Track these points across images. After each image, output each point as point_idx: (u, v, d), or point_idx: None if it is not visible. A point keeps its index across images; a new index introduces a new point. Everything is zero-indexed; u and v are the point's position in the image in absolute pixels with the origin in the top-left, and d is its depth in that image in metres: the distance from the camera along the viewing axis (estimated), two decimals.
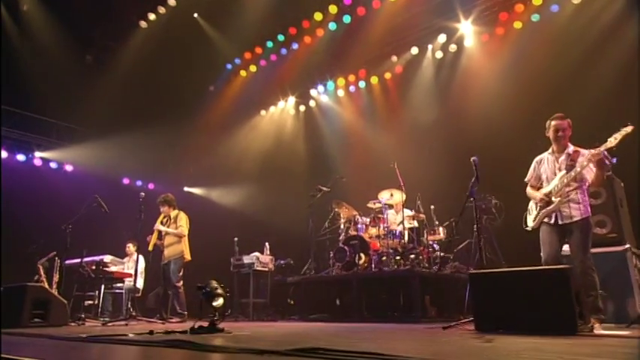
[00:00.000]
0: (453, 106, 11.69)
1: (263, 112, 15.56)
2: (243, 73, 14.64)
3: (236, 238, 10.86)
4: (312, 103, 14.92)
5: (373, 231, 10.35)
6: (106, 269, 10.38)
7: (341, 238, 10.72)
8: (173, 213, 9.84)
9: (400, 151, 11.29)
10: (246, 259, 10.30)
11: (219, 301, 5.36)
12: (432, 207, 10.33)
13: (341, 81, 14.30)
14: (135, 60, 13.33)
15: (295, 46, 13.69)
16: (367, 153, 12.50)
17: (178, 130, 14.43)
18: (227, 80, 14.87)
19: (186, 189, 16.20)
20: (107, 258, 10.75)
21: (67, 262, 9.91)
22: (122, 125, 13.38)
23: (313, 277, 10.29)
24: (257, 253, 10.35)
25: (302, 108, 15.10)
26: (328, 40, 13.23)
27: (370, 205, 10.56)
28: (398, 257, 9.35)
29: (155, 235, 9.64)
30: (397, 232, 10.11)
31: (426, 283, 8.78)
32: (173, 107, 14.16)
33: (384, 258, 9.49)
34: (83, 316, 8.55)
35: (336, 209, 11.00)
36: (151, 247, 9.57)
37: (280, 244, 11.40)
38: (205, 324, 5.37)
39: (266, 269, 10.35)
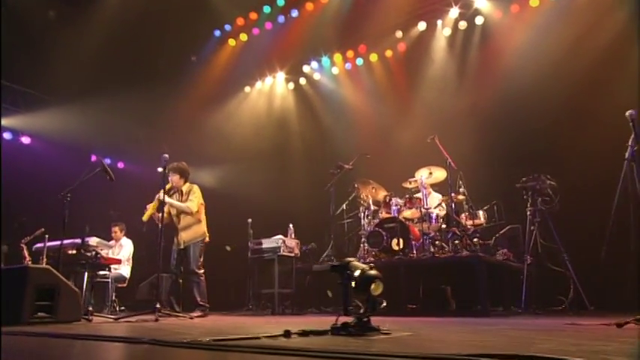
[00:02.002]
0: (479, 84, 10.02)
1: (247, 89, 13.50)
2: (232, 42, 12.47)
3: (250, 220, 8.81)
4: (302, 81, 13.11)
5: (407, 213, 8.59)
6: (89, 254, 8.01)
7: (366, 221, 8.98)
8: (185, 186, 7.82)
9: (420, 132, 9.56)
10: (268, 243, 8.32)
11: (378, 288, 3.40)
12: (461, 190, 8.61)
13: (338, 57, 12.37)
14: (107, 18, 11.21)
15: (295, 13, 11.63)
16: (381, 132, 10.79)
17: (154, 103, 12.23)
18: (213, 49, 12.59)
19: (160, 170, 13.55)
20: (93, 240, 8.39)
21: (37, 245, 7.64)
22: (90, 94, 11.21)
23: None
24: (280, 236, 8.30)
25: (291, 85, 13.16)
26: (332, 10, 11.34)
27: (406, 184, 8.74)
28: (457, 241, 7.53)
29: (154, 205, 7.49)
30: (433, 215, 8.46)
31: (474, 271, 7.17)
32: (150, 77, 12.06)
33: (437, 242, 7.71)
34: (91, 309, 6.23)
35: (361, 189, 9.13)
36: (145, 217, 7.46)
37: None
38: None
39: (292, 255, 8.40)
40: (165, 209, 7.45)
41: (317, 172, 10.76)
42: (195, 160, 11.83)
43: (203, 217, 7.68)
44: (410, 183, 8.72)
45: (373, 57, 12.12)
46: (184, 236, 7.57)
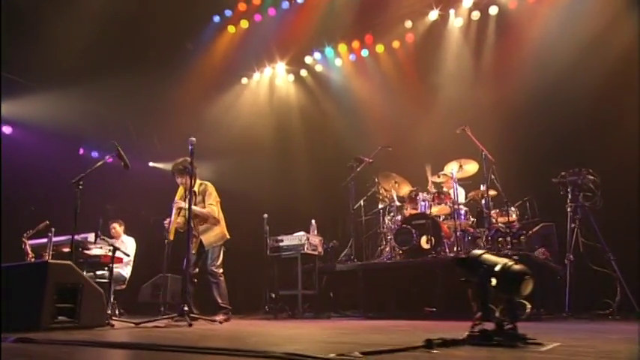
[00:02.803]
0: (500, 76, 9.49)
1: (245, 80, 12.71)
2: (231, 28, 11.66)
3: (265, 215, 8.06)
4: (303, 72, 12.38)
5: (435, 210, 8.11)
6: (88, 252, 7.24)
7: (389, 217, 8.43)
8: (197, 186, 6.98)
9: (441, 125, 9.18)
10: (290, 240, 7.61)
11: (527, 287, 2.75)
12: (482, 187, 8.04)
13: (342, 47, 11.73)
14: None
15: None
16: (395, 126, 10.19)
17: (146, 93, 11.40)
18: (211, 37, 11.74)
19: (151, 164, 13.02)
20: (92, 237, 7.56)
21: (33, 242, 6.87)
22: (76, 81, 10.31)
23: (377, 265, 7.95)
24: (302, 233, 7.60)
25: (291, 77, 12.41)
26: None
27: (435, 178, 8.14)
28: (509, 239, 6.93)
29: (176, 217, 6.73)
30: (462, 211, 7.95)
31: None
32: (141, 65, 10.97)
33: (481, 240, 7.10)
34: (110, 312, 5.42)
35: (382, 184, 8.50)
36: (172, 235, 6.67)
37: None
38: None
39: (315, 253, 7.69)
40: (181, 212, 6.78)
41: (324, 166, 10.47)
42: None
43: (221, 215, 6.97)
44: (439, 177, 8.06)
45: (379, 48, 11.48)
46: (205, 240, 6.84)
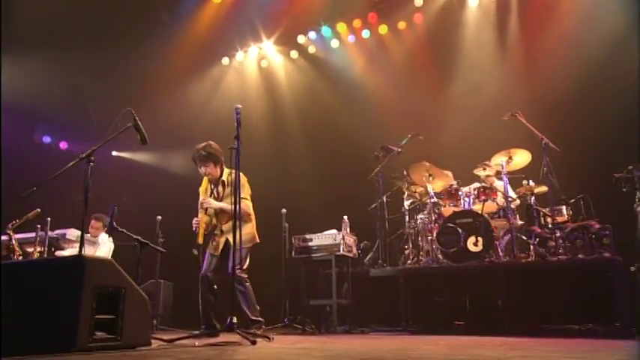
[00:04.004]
0: (531, 61, 8.92)
1: (225, 60, 11.61)
2: None
3: (284, 210, 7.10)
4: (293, 54, 11.44)
5: (478, 207, 7.38)
6: (61, 253, 6.19)
7: (424, 215, 7.67)
8: (227, 174, 6.04)
9: (473, 113, 8.75)
10: (321, 240, 6.67)
11: None
12: (531, 183, 7.44)
13: (342, 27, 10.88)
14: None
15: None
16: (414, 114, 9.38)
17: (109, 70, 10.44)
18: (191, 7, 10.64)
19: (115, 153, 11.81)
20: (72, 233, 6.46)
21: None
22: (24, 52, 9.14)
23: (420, 270, 7.14)
24: (334, 231, 6.67)
25: (279, 58, 11.39)
26: None
27: (479, 171, 7.37)
28: (579, 241, 6.21)
29: (204, 216, 5.84)
30: (509, 209, 7.20)
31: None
32: (105, 36, 10.07)
33: (553, 243, 6.36)
34: None
35: (412, 177, 7.72)
36: (202, 239, 5.72)
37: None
38: None
39: (350, 255, 6.78)
40: (208, 210, 5.96)
41: (331, 158, 9.85)
42: (163, 142, 10.05)
43: (252, 211, 6.06)
44: (484, 169, 7.29)
45: (383, 29, 10.72)
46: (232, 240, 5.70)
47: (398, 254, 7.96)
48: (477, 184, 7.65)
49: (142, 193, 10.69)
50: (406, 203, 8.05)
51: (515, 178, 7.34)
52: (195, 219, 5.73)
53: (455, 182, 7.58)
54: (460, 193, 7.44)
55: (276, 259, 7.24)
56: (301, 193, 9.14)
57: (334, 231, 6.77)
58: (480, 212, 7.05)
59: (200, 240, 5.64)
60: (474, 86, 9.01)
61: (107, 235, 7.49)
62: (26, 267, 3.63)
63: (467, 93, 9.03)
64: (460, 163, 7.98)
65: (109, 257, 7.30)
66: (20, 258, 5.73)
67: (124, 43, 10.15)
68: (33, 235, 5.85)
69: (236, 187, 4.93)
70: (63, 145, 11.09)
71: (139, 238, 4.61)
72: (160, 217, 7.44)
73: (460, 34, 9.85)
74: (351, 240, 6.88)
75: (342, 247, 6.57)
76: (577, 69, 8.03)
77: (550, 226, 6.80)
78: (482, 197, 7.26)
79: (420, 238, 7.72)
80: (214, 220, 5.95)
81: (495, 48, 9.44)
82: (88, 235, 7.18)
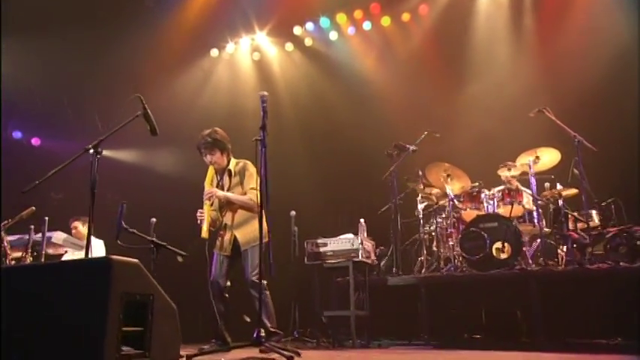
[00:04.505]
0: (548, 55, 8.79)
1: (215, 52, 11.28)
2: None
3: (293, 213, 6.81)
4: (288, 47, 11.14)
5: (501, 210, 7.23)
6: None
7: (442, 219, 7.56)
8: (233, 164, 5.82)
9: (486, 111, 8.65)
10: (338, 245, 6.39)
11: None
12: (548, 185, 7.25)
13: (342, 17, 10.67)
14: None
15: None
16: (424, 111, 9.26)
17: (87, 58, 10.02)
18: None
19: (92, 151, 10.93)
20: (58, 237, 6.15)
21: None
22: None
23: (444, 279, 6.89)
24: (351, 235, 6.40)
25: (273, 52, 11.06)
26: None
27: (504, 172, 7.21)
28: (621, 247, 6.08)
29: (209, 209, 5.52)
30: (533, 213, 7.16)
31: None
32: (84, 21, 9.63)
33: (590, 249, 6.19)
34: None
35: (429, 178, 7.53)
36: (206, 233, 5.42)
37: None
38: None
39: (369, 261, 6.53)
40: (214, 204, 5.73)
41: (332, 156, 9.65)
42: (147, 139, 9.64)
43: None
44: (509, 169, 7.09)
45: (385, 21, 10.53)
46: (241, 238, 5.65)
47: (412, 261, 7.67)
48: (500, 186, 7.44)
49: (128, 194, 10.25)
50: (420, 206, 7.83)
51: (542, 179, 7.10)
52: (200, 211, 5.47)
53: (477, 183, 7.32)
54: (483, 195, 7.18)
55: (284, 265, 6.90)
56: (305, 195, 8.83)
57: (351, 235, 6.49)
58: (506, 216, 6.79)
59: (204, 234, 5.36)
60: (492, 83, 8.85)
61: (97, 239, 7.12)
62: (41, 271, 3.25)
63: (485, 90, 8.87)
64: (478, 163, 7.80)
65: None
66: (13, 263, 5.31)
67: (104, 30, 9.80)
68: (25, 237, 5.43)
69: (260, 183, 4.65)
70: (35, 141, 10.58)
71: (154, 239, 4.25)
72: (154, 220, 7.06)
73: (471, 26, 9.71)
74: (369, 245, 6.63)
75: (360, 252, 6.28)
76: (605, 62, 7.85)
77: (581, 231, 6.57)
78: (508, 200, 7.05)
79: (435, 244, 7.50)
80: (220, 215, 5.72)
81: (511, 41, 9.33)
82: (76, 238, 6.78)
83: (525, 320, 6.36)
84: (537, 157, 7.10)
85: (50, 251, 6.43)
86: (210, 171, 5.69)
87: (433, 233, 7.54)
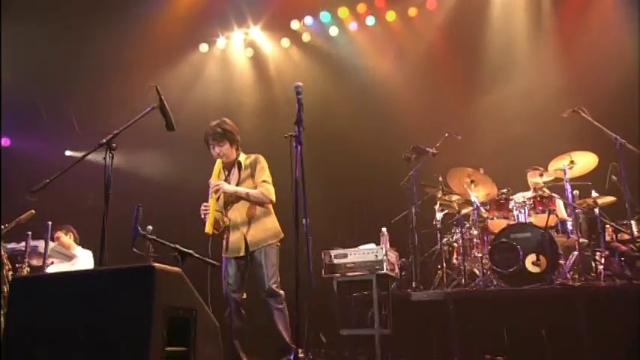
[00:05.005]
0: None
1: (204, 46, 10.97)
2: None
3: (306, 220, 6.46)
4: (284, 43, 10.91)
5: (532, 220, 6.98)
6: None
7: (467, 227, 7.40)
8: (244, 157, 5.57)
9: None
10: (359, 256, 6.11)
11: None
12: (576, 193, 7.11)
13: (344, 12, 10.47)
14: None
15: None
16: (440, 113, 9.11)
17: (64, 51, 9.69)
18: None
19: (69, 153, 10.94)
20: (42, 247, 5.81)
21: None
22: None
23: (475, 294, 6.67)
24: (373, 245, 6.15)
25: (268, 47, 10.82)
26: None
27: (535, 177, 7.05)
28: None
29: (214, 203, 5.20)
30: (569, 223, 6.95)
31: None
32: (61, 11, 9.35)
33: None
34: None
35: (451, 184, 7.34)
36: (209, 228, 5.07)
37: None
38: None
39: (393, 274, 6.27)
40: (220, 198, 5.44)
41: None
42: (131, 141, 9.28)
43: (274, 199, 5.51)
44: (541, 175, 6.90)
45: (390, 15, 10.36)
46: (252, 239, 5.31)
47: (431, 275, 7.44)
48: (525, 193, 7.27)
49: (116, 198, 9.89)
50: (438, 215, 7.60)
51: (577, 186, 6.92)
52: (204, 204, 5.17)
53: (505, 190, 7.11)
54: (512, 203, 6.96)
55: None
56: (313, 202, 8.55)
57: (373, 245, 6.22)
58: (540, 226, 6.59)
59: (208, 229, 5.03)
60: (517, 82, 8.79)
61: (85, 250, 6.78)
62: (69, 280, 2.93)
63: (507, 89, 8.76)
64: (503, 169, 7.62)
65: None
66: (10, 274, 4.94)
67: (82, 19, 9.54)
68: (22, 245, 5.08)
69: (295, 186, 4.28)
70: (5, 141, 10.17)
71: (178, 246, 3.91)
72: (150, 227, 6.71)
73: (486, 23, 9.59)
74: (393, 256, 6.35)
75: (385, 264, 5.98)
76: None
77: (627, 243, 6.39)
78: (540, 208, 6.83)
79: (456, 256, 7.29)
80: (225, 214, 5.42)
81: (532, 37, 9.23)
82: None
83: (550, 341, 6.01)
84: (572, 162, 6.88)
85: (34, 262, 6.02)
86: (218, 165, 5.37)
87: (455, 244, 7.32)
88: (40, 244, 5.95)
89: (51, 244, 6.06)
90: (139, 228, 4.05)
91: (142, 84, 9.96)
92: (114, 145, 4.17)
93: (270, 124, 9.82)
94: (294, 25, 10.68)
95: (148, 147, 9.76)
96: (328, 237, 6.88)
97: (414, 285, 7.06)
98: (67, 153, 10.88)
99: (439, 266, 7.44)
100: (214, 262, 4.29)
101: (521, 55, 9.05)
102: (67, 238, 6.97)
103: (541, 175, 6.98)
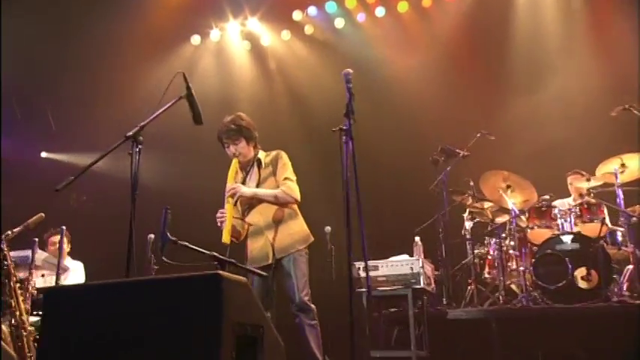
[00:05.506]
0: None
1: (197, 39, 10.69)
2: None
3: (328, 228, 6.25)
4: (284, 35, 10.64)
5: (578, 229, 6.71)
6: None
7: (504, 237, 7.09)
8: (264, 155, 5.30)
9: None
10: (393, 268, 5.84)
11: None
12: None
13: (351, 2, 10.23)
14: None
15: None
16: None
17: (40, 44, 9.38)
18: None
19: (45, 155, 10.75)
20: (38, 256, 5.61)
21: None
22: None
23: (519, 313, 6.39)
24: (405, 256, 5.87)
25: (266, 40, 10.54)
26: None
27: (581, 182, 6.88)
28: None
29: (231, 208, 4.91)
30: (619, 233, 6.79)
31: None
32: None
33: None
34: None
35: (483, 189, 7.13)
36: (227, 237, 4.79)
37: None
38: None
39: (429, 289, 6.00)
40: (237, 202, 5.18)
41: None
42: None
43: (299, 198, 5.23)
44: (588, 180, 6.68)
45: (402, 6, 10.13)
46: (279, 242, 5.02)
47: (460, 290, 7.22)
48: (565, 200, 7.08)
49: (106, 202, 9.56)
50: (467, 224, 7.36)
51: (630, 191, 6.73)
52: (221, 211, 4.92)
53: (547, 196, 6.89)
54: (554, 211, 6.73)
55: (318, 292, 6.32)
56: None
57: (406, 256, 5.98)
58: (590, 236, 6.38)
59: (226, 238, 4.77)
60: (553, 81, 8.64)
61: (75, 261, 6.43)
62: (114, 292, 2.61)
63: (544, 89, 8.64)
64: (540, 173, 7.41)
65: None
66: (18, 286, 4.61)
67: (58, 11, 9.28)
68: (23, 254, 4.77)
69: (346, 185, 3.97)
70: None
71: (216, 254, 3.58)
72: (152, 236, 6.38)
73: (513, 17, 9.38)
74: (429, 269, 6.10)
75: (422, 278, 5.71)
76: None
77: None
78: (588, 216, 6.61)
79: (488, 270, 7.07)
80: (243, 221, 5.17)
81: (564, 28, 9.08)
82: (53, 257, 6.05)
83: None
84: (623, 165, 6.67)
85: (20, 275, 5.65)
86: (234, 165, 5.10)
87: (489, 256, 7.07)
88: (29, 253, 5.62)
89: (43, 255, 5.71)
90: (169, 233, 3.68)
91: (127, 80, 9.81)
92: (140, 138, 3.86)
93: (270, 121, 9.54)
94: (297, 15, 10.37)
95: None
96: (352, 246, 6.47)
97: (444, 301, 6.77)
98: (43, 154, 10.65)
99: (469, 280, 7.23)
100: (261, 273, 3.97)
101: (554, 47, 8.92)
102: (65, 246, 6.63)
103: (588, 180, 6.72)
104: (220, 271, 2.54)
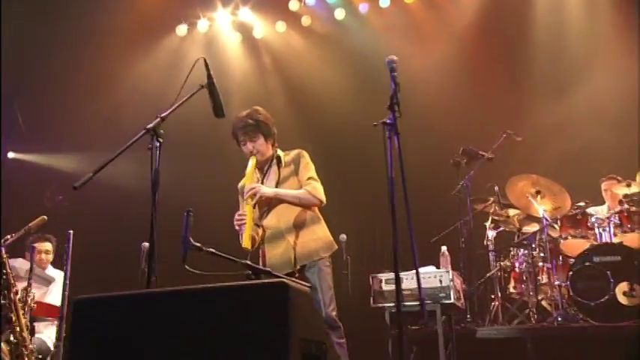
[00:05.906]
0: None
1: (182, 29, 10.45)
2: None
3: (343, 236, 5.99)
4: (279, 27, 10.39)
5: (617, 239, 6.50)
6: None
7: (534, 247, 6.89)
8: (284, 154, 5.11)
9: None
10: (414, 281, 5.46)
11: None
12: None
13: None
14: None
15: None
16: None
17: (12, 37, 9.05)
18: None
19: (12, 155, 10.48)
20: (22, 266, 5.48)
21: None
22: None
23: (556, 331, 6.20)
24: (432, 268, 5.60)
25: (259, 31, 10.36)
26: None
27: (620, 189, 6.68)
28: None
29: (250, 211, 4.68)
30: None
31: None
32: None
33: None
34: None
35: (510, 194, 6.95)
36: (247, 242, 4.56)
37: None
38: None
39: (459, 304, 5.77)
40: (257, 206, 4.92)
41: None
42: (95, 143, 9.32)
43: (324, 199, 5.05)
44: (629, 186, 6.53)
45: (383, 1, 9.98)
46: (302, 247, 4.80)
47: (484, 306, 7.06)
48: (599, 207, 6.92)
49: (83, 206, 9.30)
50: (490, 233, 7.12)
51: None
52: (239, 213, 4.74)
53: (582, 203, 6.67)
54: (591, 219, 6.50)
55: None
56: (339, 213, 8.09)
57: (432, 268, 5.68)
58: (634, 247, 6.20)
59: (246, 243, 4.54)
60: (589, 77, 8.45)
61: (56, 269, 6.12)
62: (156, 302, 2.34)
63: (574, 89, 8.48)
64: (568, 177, 7.24)
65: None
66: (18, 297, 4.47)
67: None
68: (13, 263, 4.50)
69: (391, 183, 3.69)
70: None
71: (249, 262, 3.28)
72: (146, 244, 6.06)
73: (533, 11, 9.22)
74: (458, 282, 5.82)
75: (452, 292, 5.41)
76: None
77: None
78: (629, 225, 6.43)
79: (514, 284, 6.89)
80: (266, 222, 4.95)
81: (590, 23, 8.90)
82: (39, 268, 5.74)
83: None
84: None
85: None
86: (252, 164, 4.86)
87: (517, 269, 6.83)
88: (17, 263, 5.34)
89: (27, 266, 5.36)
90: (192, 239, 3.37)
91: (106, 76, 9.57)
92: (161, 131, 3.70)
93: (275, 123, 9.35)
94: (293, 5, 10.11)
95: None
96: (369, 257, 6.26)
97: (468, 317, 6.54)
98: (10, 155, 10.40)
99: (492, 296, 7.00)
100: (304, 284, 3.66)
101: (580, 46, 8.81)
102: (44, 255, 6.30)
103: (628, 186, 6.49)
104: (285, 279, 2.20)
